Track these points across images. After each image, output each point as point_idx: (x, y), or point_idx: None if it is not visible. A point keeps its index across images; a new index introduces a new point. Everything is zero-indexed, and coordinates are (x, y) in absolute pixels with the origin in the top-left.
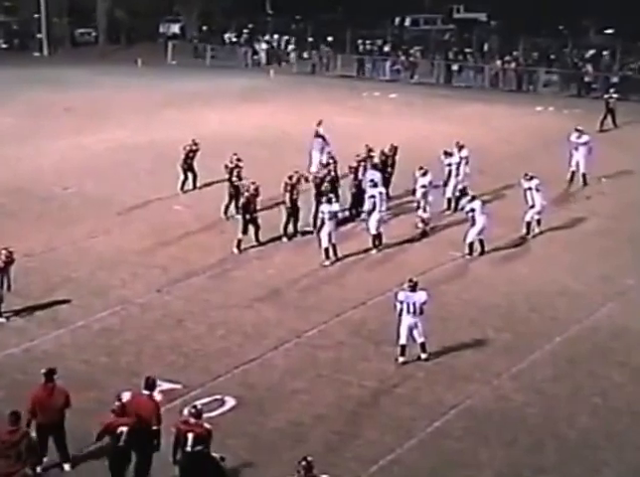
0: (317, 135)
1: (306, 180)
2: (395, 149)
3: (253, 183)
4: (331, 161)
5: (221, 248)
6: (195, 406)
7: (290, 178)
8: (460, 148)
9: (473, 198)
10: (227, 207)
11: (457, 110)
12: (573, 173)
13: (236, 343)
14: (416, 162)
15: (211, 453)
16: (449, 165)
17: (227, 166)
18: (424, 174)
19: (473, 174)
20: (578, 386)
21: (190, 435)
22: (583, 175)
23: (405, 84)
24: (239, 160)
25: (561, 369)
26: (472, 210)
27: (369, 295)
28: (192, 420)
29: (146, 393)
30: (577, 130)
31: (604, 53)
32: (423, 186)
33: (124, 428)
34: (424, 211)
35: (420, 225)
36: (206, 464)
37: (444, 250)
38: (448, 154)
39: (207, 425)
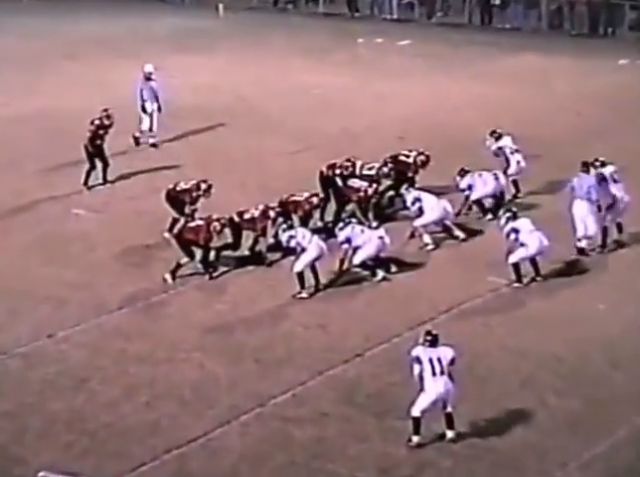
0: (148, 79)
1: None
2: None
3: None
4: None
5: (145, 272)
6: None
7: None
8: (497, 138)
9: (514, 215)
10: (174, 221)
11: (500, 65)
12: None
13: (167, 414)
14: (440, 148)
15: None
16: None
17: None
18: None
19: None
20: None
21: None
22: None
23: (422, 26)
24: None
25: None
26: (514, 231)
27: (367, 342)
28: None
29: None
30: None
31: None
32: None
33: None
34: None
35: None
36: None
37: (480, 275)
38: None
39: None
